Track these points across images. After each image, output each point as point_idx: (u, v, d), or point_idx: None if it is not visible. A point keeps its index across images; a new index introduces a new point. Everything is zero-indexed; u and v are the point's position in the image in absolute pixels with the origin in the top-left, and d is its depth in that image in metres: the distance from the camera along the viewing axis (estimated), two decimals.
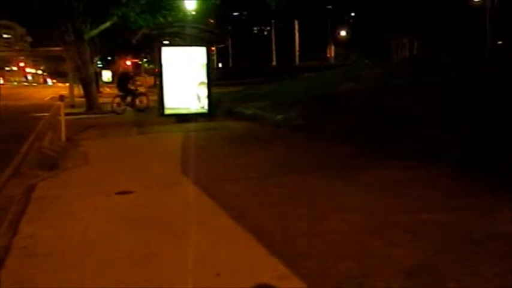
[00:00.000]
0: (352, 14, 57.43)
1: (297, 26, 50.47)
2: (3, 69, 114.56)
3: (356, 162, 7.02)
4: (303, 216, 4.69)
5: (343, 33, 57.35)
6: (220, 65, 58.56)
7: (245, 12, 64.01)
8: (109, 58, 65.07)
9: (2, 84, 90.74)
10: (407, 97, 10.14)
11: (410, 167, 6.37)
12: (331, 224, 4.44)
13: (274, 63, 52.97)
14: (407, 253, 3.68)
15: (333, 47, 51.97)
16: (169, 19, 18.74)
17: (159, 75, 13.55)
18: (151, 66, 56.43)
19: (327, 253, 3.77)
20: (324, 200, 5.25)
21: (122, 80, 18.63)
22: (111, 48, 44.20)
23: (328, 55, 51.88)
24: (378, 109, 10.05)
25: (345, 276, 3.36)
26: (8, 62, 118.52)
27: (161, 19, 18.55)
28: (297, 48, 51.25)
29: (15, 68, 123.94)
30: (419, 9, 28.99)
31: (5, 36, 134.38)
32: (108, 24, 19.02)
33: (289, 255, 3.72)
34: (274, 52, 53.47)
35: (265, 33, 63.08)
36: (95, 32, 19.33)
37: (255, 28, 68.16)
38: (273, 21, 54.08)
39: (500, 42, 21.73)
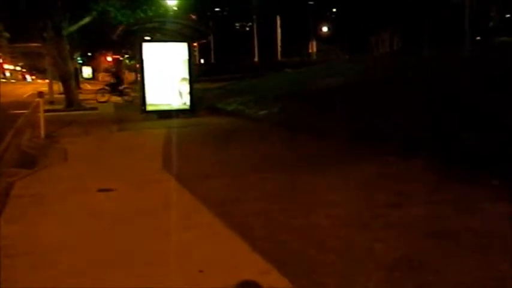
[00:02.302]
0: (334, 10, 57.65)
1: (278, 22, 50.47)
2: None
3: (337, 157, 7.06)
4: (285, 212, 4.70)
5: (324, 29, 57.56)
6: (202, 60, 58.29)
7: (227, 8, 63.78)
8: (89, 54, 64.25)
9: None
10: (387, 92, 10.23)
11: (391, 162, 6.43)
12: (314, 218, 4.47)
13: (256, 59, 52.89)
14: (389, 247, 3.72)
15: (314, 43, 52.10)
16: (150, 14, 18.55)
17: (140, 71, 13.41)
18: (132, 62, 55.84)
19: (309, 248, 3.79)
20: (305, 195, 5.27)
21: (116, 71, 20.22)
22: (91, 44, 43.64)
23: (310, 51, 51.99)
24: (358, 104, 10.12)
25: (327, 270, 3.39)
26: None
27: (142, 14, 18.34)
28: (279, 44, 51.28)
29: None
30: (400, 5, 29.25)
31: None
32: (87, 19, 18.74)
33: (271, 251, 3.74)
34: (256, 48, 53.40)
35: (247, 29, 62.95)
36: (74, 27, 19.03)
37: (237, 24, 67.98)
38: (254, 17, 53.97)
39: (478, 38, 22.06)
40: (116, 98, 20.94)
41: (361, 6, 37.06)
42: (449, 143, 6.55)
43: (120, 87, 21.17)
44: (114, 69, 23.57)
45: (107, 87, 20.94)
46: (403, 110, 8.58)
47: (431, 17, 24.70)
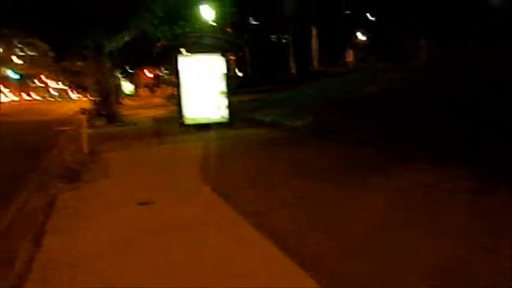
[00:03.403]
0: (371, 19, 57.11)
1: (314, 32, 50.38)
2: (28, 85, 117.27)
3: (375, 167, 6.91)
4: (323, 223, 4.64)
5: (361, 37, 57.03)
6: (239, 73, 58.77)
7: (262, 20, 64.20)
8: (130, 70, 65.98)
9: (29, 100, 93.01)
10: (426, 100, 9.99)
11: (428, 171, 6.22)
12: (350, 230, 4.38)
13: (292, 69, 52.92)
14: (430, 254, 3.60)
15: (351, 52, 51.68)
16: (187, 30, 18.88)
17: (178, 85, 13.63)
18: (171, 76, 56.98)
19: (344, 259, 3.72)
20: (344, 206, 5.18)
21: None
22: (131, 60, 44.80)
23: (347, 60, 51.59)
24: (396, 112, 9.93)
25: (362, 280, 3.32)
26: (33, 78, 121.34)
27: (179, 30, 18.70)
28: (315, 54, 51.12)
29: (39, 84, 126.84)
30: (439, 12, 28.60)
31: (29, 53, 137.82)
32: (127, 37, 19.27)
33: (307, 260, 3.68)
34: (292, 59, 53.43)
35: (284, 40, 63.14)
36: (114, 45, 19.60)
37: (273, 36, 68.27)
38: (290, 28, 54.11)
39: None
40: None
41: (400, 14, 36.52)
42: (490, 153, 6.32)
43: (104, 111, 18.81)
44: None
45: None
46: (441, 120, 8.34)
47: (474, 23, 24.03)
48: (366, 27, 56.58)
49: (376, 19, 51.63)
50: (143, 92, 69.91)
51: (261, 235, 4.43)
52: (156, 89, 70.78)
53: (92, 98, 19.74)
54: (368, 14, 53.03)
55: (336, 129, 10.44)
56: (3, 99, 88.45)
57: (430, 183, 5.66)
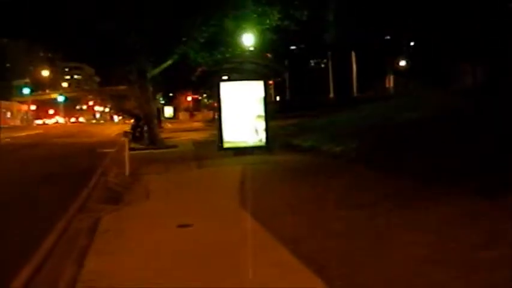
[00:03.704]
0: (412, 44, 56.55)
1: (354, 58, 50.28)
2: (74, 108, 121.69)
3: (416, 196, 6.74)
4: (362, 252, 4.56)
5: (402, 63, 56.46)
6: (277, 98, 59.12)
7: (302, 46, 64.64)
8: (170, 94, 67.53)
9: (74, 122, 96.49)
10: (468, 128, 9.73)
11: (472, 203, 6.01)
12: (393, 259, 4.29)
13: (331, 95, 52.80)
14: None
15: (391, 77, 51.19)
16: (227, 55, 19.25)
17: (217, 109, 13.85)
18: (210, 101, 57.93)
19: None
20: (385, 235, 5.08)
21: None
22: (172, 85, 45.91)
23: (387, 85, 51.12)
24: (436, 140, 9.70)
25: None
26: (79, 101, 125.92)
27: (219, 56, 19.09)
28: (355, 79, 50.89)
29: (84, 107, 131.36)
30: (483, 35, 28.05)
31: (75, 77, 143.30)
32: (169, 62, 19.81)
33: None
34: (331, 84, 53.37)
35: (322, 65, 63.26)
36: (157, 70, 20.18)
37: (312, 61, 68.55)
38: (329, 53, 54.21)
39: None
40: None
41: (441, 39, 36.03)
42: None
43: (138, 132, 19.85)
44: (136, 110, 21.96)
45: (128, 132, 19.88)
46: (486, 149, 8.09)
47: None
48: (407, 52, 56.05)
49: (417, 44, 51.11)
50: (183, 115, 71.36)
51: (298, 261, 4.40)
52: (195, 113, 72.17)
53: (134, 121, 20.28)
54: (409, 39, 52.60)
55: (375, 157, 10.29)
56: (49, 121, 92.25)
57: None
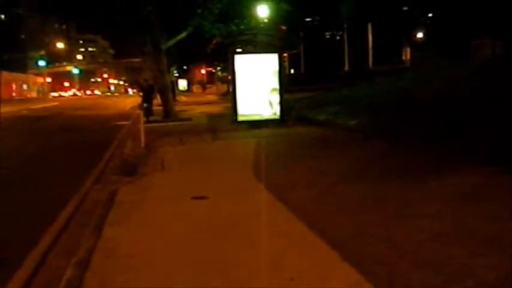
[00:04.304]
0: (430, 15, 55.31)
1: (370, 30, 49.40)
2: (89, 80, 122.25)
3: (430, 169, 6.69)
4: (375, 223, 4.58)
5: (419, 35, 55.36)
6: (292, 71, 58.65)
7: (317, 18, 63.65)
8: (184, 67, 67.36)
9: (90, 95, 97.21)
10: (482, 102, 9.56)
11: (487, 174, 5.96)
12: (404, 231, 4.30)
13: (346, 68, 52.19)
14: (489, 263, 3.48)
15: (408, 50, 50.35)
16: (242, 27, 19.04)
17: (232, 82, 13.80)
18: (224, 74, 57.72)
19: (400, 261, 3.65)
20: (397, 208, 5.08)
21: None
22: (186, 57, 45.75)
23: (403, 58, 50.33)
24: (451, 114, 9.56)
25: (419, 286, 3.24)
26: (93, 74, 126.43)
27: (234, 27, 18.90)
28: (371, 52, 50.13)
29: (99, 79, 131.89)
30: (503, 7, 27.34)
31: (90, 49, 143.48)
32: (183, 34, 19.69)
33: (361, 262, 3.66)
34: (346, 57, 52.69)
35: (338, 38, 62.36)
36: (172, 42, 20.09)
37: (327, 33, 67.57)
38: (345, 25, 53.33)
39: None
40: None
41: (461, 10, 35.19)
42: None
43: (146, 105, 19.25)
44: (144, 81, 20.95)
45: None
46: (499, 122, 7.96)
47: None
48: (424, 24, 54.87)
49: (435, 15, 50.00)
50: (196, 88, 71.31)
51: (311, 233, 4.45)
52: (208, 85, 72.04)
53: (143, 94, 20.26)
54: (427, 11, 51.45)
55: (391, 130, 10.21)
56: (65, 94, 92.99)
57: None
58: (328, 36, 67.82)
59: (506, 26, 27.87)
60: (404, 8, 51.66)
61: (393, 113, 11.88)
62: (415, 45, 52.05)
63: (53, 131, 18.01)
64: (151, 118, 18.38)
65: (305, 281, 3.49)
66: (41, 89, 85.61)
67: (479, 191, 5.37)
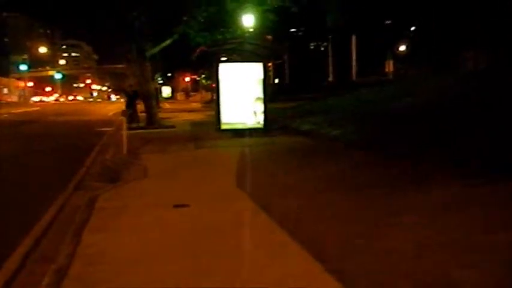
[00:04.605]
0: (412, 28, 56.18)
1: (354, 41, 49.98)
2: (71, 85, 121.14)
3: (411, 180, 6.77)
4: (357, 234, 4.60)
5: (402, 47, 56.13)
6: (276, 80, 58.89)
7: (302, 28, 64.15)
8: (169, 74, 67.19)
9: (71, 100, 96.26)
10: (466, 113, 9.74)
11: (468, 185, 6.05)
12: (386, 241, 4.32)
13: (331, 78, 52.64)
14: (471, 275, 3.51)
15: (391, 62, 50.95)
16: (227, 36, 19.10)
17: (216, 90, 13.80)
18: (208, 82, 57.72)
19: (384, 272, 3.67)
20: (380, 217, 5.12)
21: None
22: (171, 65, 45.67)
23: (386, 70, 50.90)
24: (435, 125, 9.72)
25: None
26: (76, 79, 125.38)
27: (219, 36, 18.94)
28: (354, 63, 50.68)
29: (82, 85, 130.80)
30: (486, 22, 27.87)
31: (73, 54, 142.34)
32: (168, 42, 19.65)
33: (344, 273, 3.66)
34: (331, 67, 53.17)
35: (322, 48, 62.92)
36: (156, 49, 20.03)
37: (312, 44, 68.14)
38: (330, 36, 53.87)
39: None
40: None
41: (443, 24, 35.82)
42: None
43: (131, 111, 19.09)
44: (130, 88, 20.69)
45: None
46: (481, 133, 8.11)
47: None
48: (407, 37, 55.64)
49: (418, 28, 50.80)
50: (180, 96, 71.10)
51: (293, 240, 4.45)
52: (192, 93, 71.88)
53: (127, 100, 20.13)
54: (410, 24, 52.25)
55: (373, 141, 10.32)
56: (47, 99, 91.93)
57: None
58: (313, 47, 68.40)
59: (488, 39, 28.43)
60: (388, 22, 52.42)
61: (376, 123, 12.02)
62: (398, 58, 52.78)
63: (34, 136, 17.77)
64: (135, 125, 18.25)
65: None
66: (22, 93, 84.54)
67: (459, 202, 5.45)
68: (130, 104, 19.35)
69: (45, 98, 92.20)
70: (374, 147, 9.60)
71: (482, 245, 4.09)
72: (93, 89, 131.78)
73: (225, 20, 19.31)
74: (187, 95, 71.01)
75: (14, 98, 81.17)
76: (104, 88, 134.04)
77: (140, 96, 20.25)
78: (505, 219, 4.77)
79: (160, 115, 22.82)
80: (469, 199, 5.52)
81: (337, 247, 4.29)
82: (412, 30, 55.09)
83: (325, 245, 4.34)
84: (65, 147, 13.48)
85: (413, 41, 52.05)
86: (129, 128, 14.20)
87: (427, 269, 3.69)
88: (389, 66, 51.13)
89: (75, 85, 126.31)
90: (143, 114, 20.70)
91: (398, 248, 4.16)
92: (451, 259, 3.84)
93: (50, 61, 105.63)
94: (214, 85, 14.76)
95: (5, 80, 78.45)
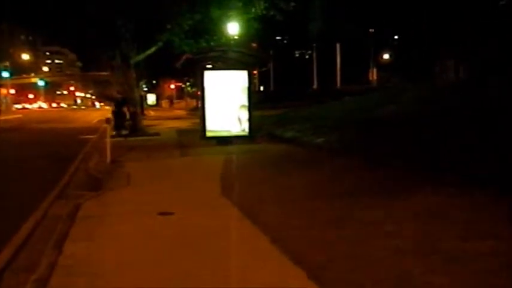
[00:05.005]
0: (396, 37, 56.93)
1: (338, 50, 50.44)
2: (55, 93, 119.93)
3: (394, 188, 6.84)
4: (339, 240, 4.63)
5: (385, 56, 56.83)
6: (261, 88, 59.10)
7: (287, 37, 64.58)
8: (154, 82, 66.99)
9: (56, 107, 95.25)
10: (447, 121, 9.87)
11: (450, 193, 6.14)
12: (369, 249, 4.35)
13: (315, 86, 53.00)
14: (450, 282, 3.55)
15: (375, 70, 51.55)
16: (212, 43, 19.13)
17: (201, 98, 13.78)
18: (194, 89, 57.67)
19: (366, 279, 3.69)
20: (361, 224, 5.15)
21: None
22: (155, 72, 45.53)
23: (370, 78, 51.47)
24: (417, 133, 9.83)
25: None
26: (60, 86, 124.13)
27: (204, 44, 18.97)
28: (338, 71, 51.12)
29: (65, 92, 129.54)
30: (467, 33, 28.36)
31: (57, 61, 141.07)
32: (153, 49, 19.62)
33: (325, 279, 3.68)
34: (315, 75, 53.56)
35: (307, 56, 63.38)
36: (141, 57, 19.98)
37: (297, 52, 68.61)
38: (314, 45, 54.30)
39: None
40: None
41: (425, 33, 36.37)
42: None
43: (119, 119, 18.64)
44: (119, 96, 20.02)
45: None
46: (462, 143, 8.23)
47: (502, 46, 23.71)
48: (391, 46, 56.32)
49: (400, 37, 51.45)
50: (165, 103, 70.87)
51: (276, 248, 4.46)
52: (176, 101, 71.64)
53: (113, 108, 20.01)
54: (393, 33, 52.91)
55: (355, 148, 10.40)
56: (30, 106, 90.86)
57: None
58: (297, 55, 68.82)
59: (468, 50, 28.91)
60: (371, 30, 53.04)
61: (360, 131, 12.11)
62: (382, 66, 53.36)
63: (15, 145, 17.53)
64: (124, 132, 18.08)
65: None
66: (4, 100, 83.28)
67: (443, 209, 5.52)
68: (119, 111, 19.08)
69: (28, 105, 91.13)
70: (357, 155, 9.67)
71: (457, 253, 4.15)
72: (77, 96, 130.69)
73: (210, 27, 19.36)
74: (171, 102, 70.76)
75: None
76: (88, 95, 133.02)
77: (121, 101, 20.11)
78: (481, 228, 4.85)
79: (145, 122, 22.73)
80: (447, 208, 5.60)
81: (317, 254, 4.30)
82: (396, 39, 55.74)
83: (307, 251, 4.35)
84: (48, 155, 13.30)
85: (396, 49, 52.68)
86: (113, 136, 14.10)
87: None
88: (373, 75, 51.71)
89: (58, 92, 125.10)
90: (127, 122, 20.56)
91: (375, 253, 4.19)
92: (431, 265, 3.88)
93: (33, 68, 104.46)
94: (199, 93, 14.74)
95: None
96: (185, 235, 5.12)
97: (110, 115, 19.92)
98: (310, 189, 7.19)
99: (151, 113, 43.27)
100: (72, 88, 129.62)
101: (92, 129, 20.94)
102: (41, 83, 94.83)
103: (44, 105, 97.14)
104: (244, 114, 13.53)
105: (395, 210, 5.64)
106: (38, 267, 4.22)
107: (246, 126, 13.55)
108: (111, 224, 5.66)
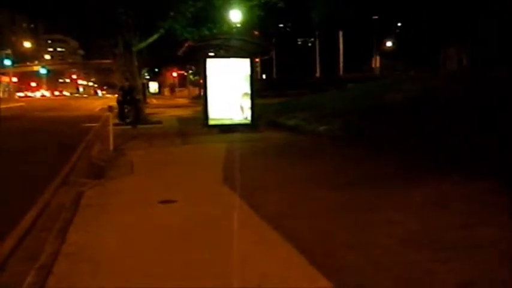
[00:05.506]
0: (399, 25, 56.51)
1: (341, 37, 50.12)
2: (57, 81, 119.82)
3: (397, 176, 6.85)
4: (342, 229, 4.64)
5: (388, 43, 56.47)
6: (264, 76, 58.89)
7: (289, 24, 64.19)
8: (156, 70, 66.80)
9: (58, 96, 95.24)
10: (450, 110, 9.84)
11: (453, 182, 6.14)
12: (371, 237, 4.36)
13: (318, 74, 52.77)
14: (452, 270, 3.56)
15: (378, 58, 51.26)
16: (215, 31, 19.03)
17: (203, 86, 13.75)
18: (196, 77, 57.55)
19: (367, 266, 3.70)
20: (364, 213, 5.16)
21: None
22: (158, 60, 45.42)
23: (373, 66, 51.21)
24: (420, 121, 9.80)
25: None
26: (62, 75, 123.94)
27: (206, 31, 18.87)
28: (341, 59, 50.85)
29: (68, 80, 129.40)
30: (470, 20, 28.16)
31: (59, 49, 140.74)
32: (155, 37, 19.53)
33: (328, 267, 3.69)
34: (318, 63, 53.30)
35: (309, 44, 63.05)
36: (143, 44, 19.90)
37: (299, 39, 68.22)
38: (317, 32, 53.96)
39: None
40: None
41: (428, 21, 36.11)
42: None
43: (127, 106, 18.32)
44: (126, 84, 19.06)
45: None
46: (466, 130, 8.21)
47: (503, 34, 23.53)
48: (394, 33, 55.94)
49: (404, 25, 51.06)
50: (167, 91, 70.77)
51: (278, 235, 4.47)
52: (177, 89, 71.46)
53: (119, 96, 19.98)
54: (396, 20, 52.52)
55: (358, 136, 10.39)
56: (33, 94, 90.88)
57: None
58: (300, 43, 68.42)
59: (470, 38, 28.70)
60: (375, 17, 52.66)
61: (363, 119, 12.09)
62: (385, 54, 53.04)
63: (18, 133, 17.56)
64: (127, 120, 18.01)
65: (272, 286, 3.50)
66: (6, 88, 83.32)
67: (445, 199, 5.52)
68: (125, 100, 18.86)
69: (30, 94, 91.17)
70: (360, 143, 9.66)
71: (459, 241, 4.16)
72: (79, 84, 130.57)
73: (212, 15, 19.24)
74: (172, 90, 70.53)
75: None
76: (91, 83, 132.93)
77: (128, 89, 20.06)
78: (485, 216, 4.85)
79: (147, 111, 22.71)
80: (452, 196, 5.60)
81: (318, 241, 4.31)
82: (399, 27, 55.34)
83: (310, 239, 4.36)
84: (51, 143, 13.33)
85: (399, 37, 52.33)
86: (116, 124, 14.10)
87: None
88: (376, 62, 51.44)
89: (60, 80, 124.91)
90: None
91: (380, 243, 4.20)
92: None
93: (35, 56, 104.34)
94: (201, 81, 14.70)
95: None
96: (188, 223, 5.13)
97: (112, 103, 19.91)
98: (313, 177, 7.19)
99: (154, 101, 43.26)
100: (74, 76, 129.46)
101: (95, 118, 20.94)
102: (43, 71, 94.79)
103: (47, 94, 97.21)
104: (247, 103, 13.51)
105: (400, 199, 5.64)
106: (41, 255, 4.25)
107: (248, 114, 13.53)
108: (114, 212, 5.68)
